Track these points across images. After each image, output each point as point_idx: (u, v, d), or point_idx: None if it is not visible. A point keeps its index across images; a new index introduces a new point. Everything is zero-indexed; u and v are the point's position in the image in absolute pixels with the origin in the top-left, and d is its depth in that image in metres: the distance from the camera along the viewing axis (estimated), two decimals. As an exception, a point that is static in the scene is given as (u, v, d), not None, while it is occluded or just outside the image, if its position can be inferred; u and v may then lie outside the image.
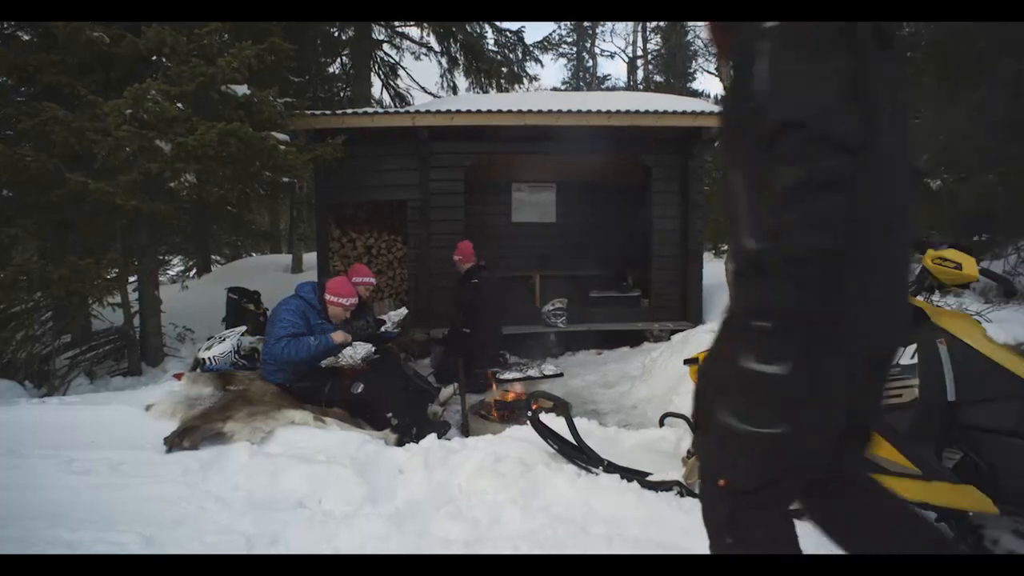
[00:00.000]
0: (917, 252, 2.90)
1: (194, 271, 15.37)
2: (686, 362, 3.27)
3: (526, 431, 3.21)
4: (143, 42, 4.27)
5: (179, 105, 4.18)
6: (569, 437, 3.06)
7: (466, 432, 4.80)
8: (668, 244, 7.92)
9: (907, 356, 2.35)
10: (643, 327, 7.66)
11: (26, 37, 4.77)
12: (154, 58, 4.60)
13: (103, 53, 4.29)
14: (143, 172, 4.12)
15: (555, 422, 3.20)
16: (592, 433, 3.27)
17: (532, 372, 5.09)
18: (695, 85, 26.54)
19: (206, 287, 11.75)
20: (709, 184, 14.63)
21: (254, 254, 18.84)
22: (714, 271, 8.61)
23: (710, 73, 24.69)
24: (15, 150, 3.88)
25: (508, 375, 5.11)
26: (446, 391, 5.42)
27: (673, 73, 24.11)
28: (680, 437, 3.15)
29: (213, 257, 16.64)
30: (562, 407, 3.07)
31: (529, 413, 3.08)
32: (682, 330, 7.47)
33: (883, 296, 1.38)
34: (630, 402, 5.48)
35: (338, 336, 4.03)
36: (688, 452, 2.91)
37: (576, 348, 7.63)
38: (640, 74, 25.42)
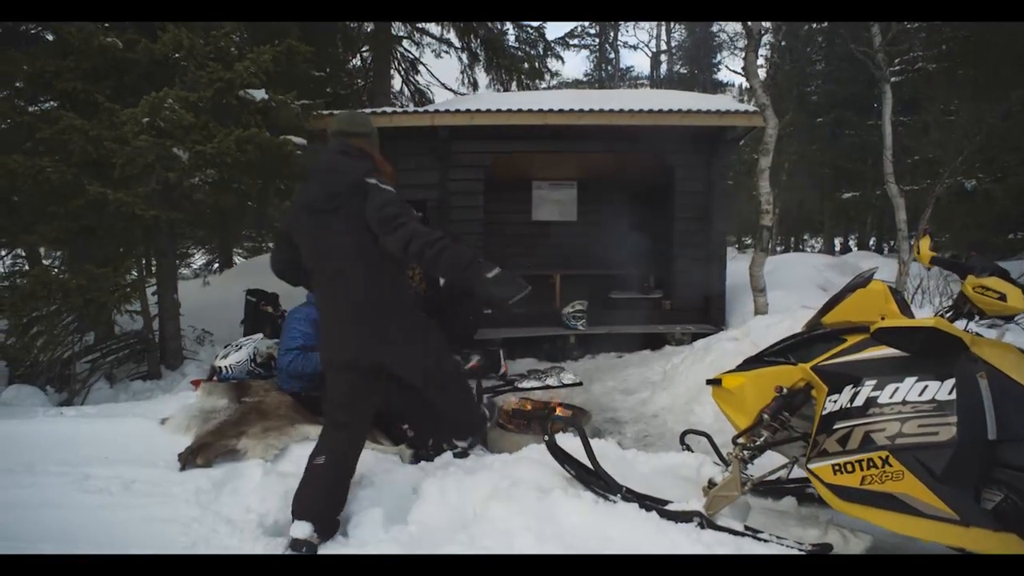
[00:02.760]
0: (957, 275, 2.76)
1: (216, 265, 15.49)
2: (709, 382, 3.16)
3: (544, 452, 3.13)
4: (158, 47, 4.23)
5: (195, 116, 4.13)
6: (587, 461, 2.97)
7: (484, 442, 4.75)
8: (690, 245, 7.77)
9: (944, 391, 2.23)
10: (664, 330, 7.54)
11: (51, 36, 4.75)
12: (176, 55, 4.54)
13: (117, 58, 4.26)
14: (161, 181, 4.10)
15: (572, 443, 3.12)
16: (609, 455, 3.17)
17: (551, 381, 5.00)
18: (720, 76, 26.13)
19: (227, 283, 11.83)
20: (732, 178, 14.39)
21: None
22: (738, 270, 8.40)
23: (735, 72, 24.22)
24: (35, 161, 3.88)
25: (526, 384, 5.03)
26: (463, 398, 5.36)
27: (698, 65, 23.68)
28: (701, 463, 3.05)
29: (236, 250, 16.76)
30: (579, 429, 2.97)
31: (546, 438, 3.00)
32: (704, 333, 7.34)
33: (329, 327, 2.74)
34: (650, 411, 5.38)
35: None
36: (709, 482, 2.81)
37: (596, 351, 7.53)
38: (664, 67, 25.05)
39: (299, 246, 2.70)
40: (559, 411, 4.92)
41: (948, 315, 2.63)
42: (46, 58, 4.25)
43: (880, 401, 2.34)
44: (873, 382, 2.38)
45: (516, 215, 9.21)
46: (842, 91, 14.27)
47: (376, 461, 3.28)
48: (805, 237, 24.03)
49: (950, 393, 2.22)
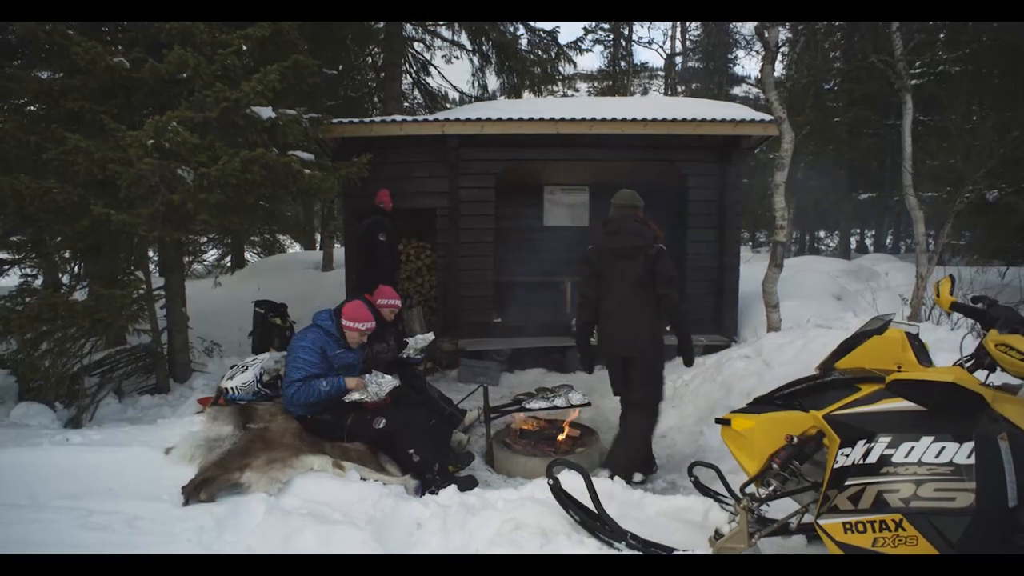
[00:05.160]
0: (977, 322, 2.65)
1: (229, 262, 15.53)
2: (718, 421, 3.09)
3: (548, 490, 3.09)
4: (164, 67, 4.19)
5: (200, 138, 4.09)
6: (591, 504, 2.92)
7: (490, 461, 4.73)
8: (703, 255, 7.65)
9: (962, 455, 2.15)
10: (676, 341, 7.42)
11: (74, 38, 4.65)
12: (184, 75, 4.47)
13: (124, 78, 4.23)
14: (165, 202, 4.07)
15: (575, 481, 3.06)
16: (615, 495, 3.12)
17: (559, 402, 4.96)
18: (737, 70, 25.76)
19: (239, 284, 11.90)
20: (747, 174, 14.14)
21: (287, 239, 18.95)
22: (751, 275, 8.23)
23: (750, 84, 23.83)
24: (40, 183, 3.87)
25: (534, 404, 4.99)
26: (470, 415, 5.34)
27: (713, 60, 23.34)
28: (708, 508, 2.98)
29: (250, 241, 16.76)
30: (583, 473, 2.92)
31: (550, 482, 2.95)
32: (716, 345, 7.25)
33: (608, 332, 4.28)
34: (659, 430, 5.27)
35: (351, 383, 3.97)
36: (716, 532, 2.75)
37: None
38: (679, 64, 24.70)
39: (600, 274, 4.22)
40: (567, 431, 4.89)
41: (968, 364, 2.53)
42: (52, 78, 4.22)
43: (894, 460, 2.26)
44: (887, 439, 2.30)
45: (527, 220, 9.13)
46: (860, 89, 13.94)
47: (380, 496, 3.24)
48: (820, 235, 23.71)
49: (968, 457, 2.14)
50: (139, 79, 4.26)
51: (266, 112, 4.52)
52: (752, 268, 9.90)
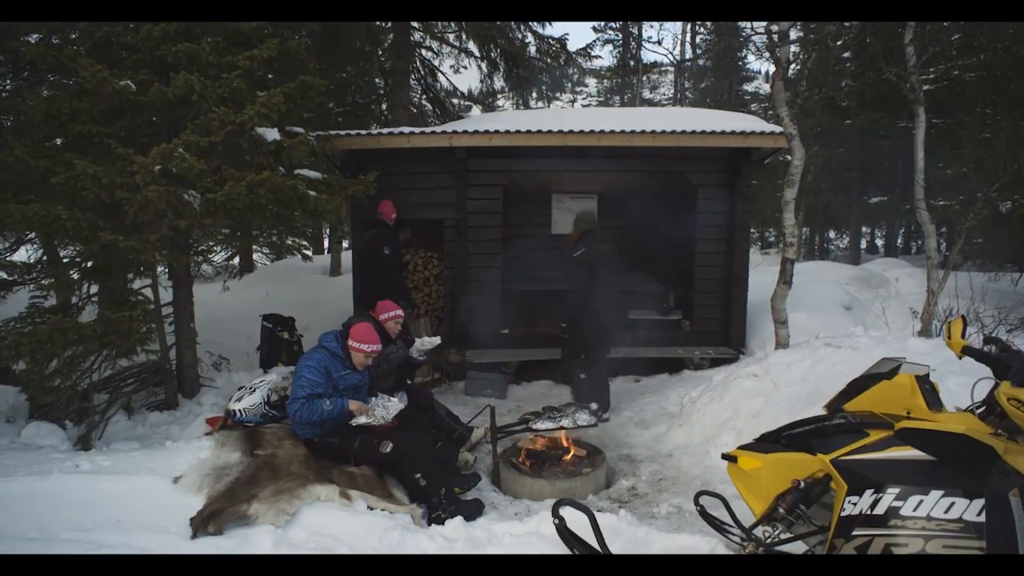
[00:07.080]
0: (990, 369, 2.60)
1: (237, 264, 15.56)
2: (724, 457, 3.08)
3: (554, 527, 3.08)
4: (171, 91, 4.19)
5: (206, 163, 4.10)
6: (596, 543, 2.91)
7: (496, 482, 4.74)
8: (712, 267, 7.61)
9: (972, 511, 2.13)
10: (683, 353, 7.41)
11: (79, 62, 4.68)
12: (192, 96, 4.46)
13: (131, 100, 4.24)
14: (172, 227, 4.09)
15: (579, 517, 3.04)
16: (622, 532, 3.11)
17: (565, 422, 4.96)
18: (749, 67, 25.59)
19: (246, 289, 11.95)
20: (755, 176, 14.01)
21: (296, 242, 19.00)
22: (759, 283, 8.16)
23: (761, 92, 23.57)
24: (49, 209, 3.89)
25: (540, 424, 4.99)
26: (477, 433, 5.34)
27: (723, 59, 23.16)
28: (713, 548, 2.97)
29: (256, 246, 16.82)
30: (589, 514, 2.90)
31: (556, 521, 2.94)
32: (724, 358, 7.23)
33: (606, 314, 5.75)
34: (666, 449, 5.29)
35: (353, 405, 3.99)
36: None
37: (613, 374, 7.40)
38: (688, 63, 24.51)
39: (602, 272, 5.56)
40: (573, 451, 4.88)
41: (980, 411, 2.51)
42: (60, 102, 4.24)
43: (902, 513, 2.24)
44: (896, 490, 2.28)
45: (536, 228, 9.10)
46: (872, 91, 13.75)
47: (386, 529, 3.25)
48: (831, 236, 23.54)
49: (979, 515, 2.11)
50: (146, 102, 4.27)
51: (272, 134, 4.52)
52: (761, 274, 9.82)
